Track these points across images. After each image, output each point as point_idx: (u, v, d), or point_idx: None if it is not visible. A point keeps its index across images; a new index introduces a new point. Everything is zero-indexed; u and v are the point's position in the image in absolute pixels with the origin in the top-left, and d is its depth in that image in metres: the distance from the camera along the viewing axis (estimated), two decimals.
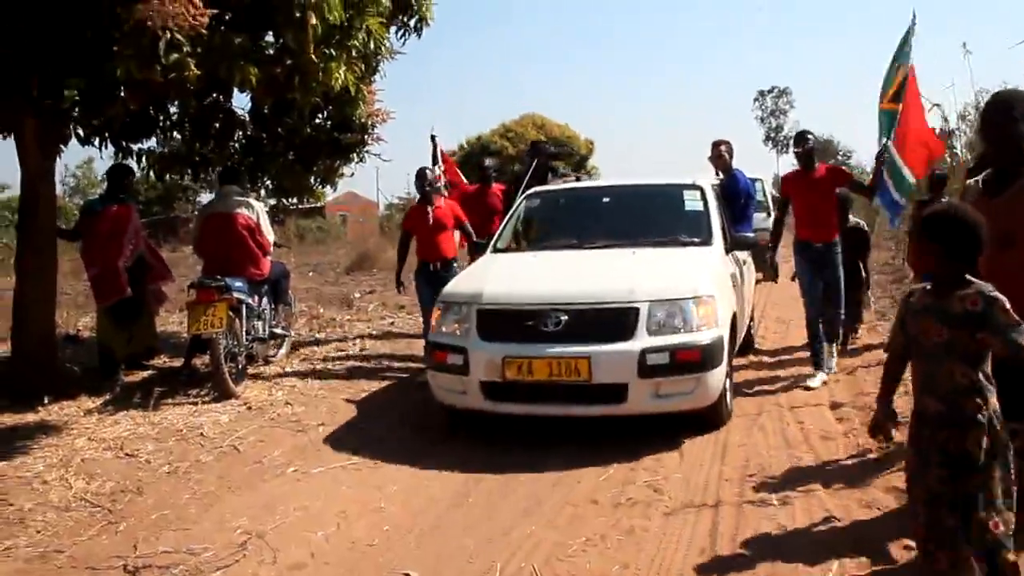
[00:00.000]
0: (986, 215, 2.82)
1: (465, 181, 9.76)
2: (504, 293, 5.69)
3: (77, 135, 6.57)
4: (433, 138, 9.07)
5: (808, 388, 6.58)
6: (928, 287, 2.90)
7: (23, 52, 5.44)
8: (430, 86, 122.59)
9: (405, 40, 7.41)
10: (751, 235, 7.15)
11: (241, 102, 7.47)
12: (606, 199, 7.48)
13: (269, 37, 6.10)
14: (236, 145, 7.94)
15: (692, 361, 5.22)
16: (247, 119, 7.68)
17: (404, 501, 4.61)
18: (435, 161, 8.97)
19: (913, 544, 3.24)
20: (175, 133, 7.65)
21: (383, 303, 11.99)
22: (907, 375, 3.09)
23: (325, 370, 7.75)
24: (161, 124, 7.30)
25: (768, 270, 7.74)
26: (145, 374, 7.49)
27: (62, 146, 6.75)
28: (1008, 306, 2.71)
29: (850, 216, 7.94)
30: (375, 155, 8.15)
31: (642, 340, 5.19)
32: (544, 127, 35.76)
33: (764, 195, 15.27)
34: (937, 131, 8.13)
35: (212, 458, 5.35)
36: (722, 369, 5.41)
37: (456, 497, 4.62)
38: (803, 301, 7.01)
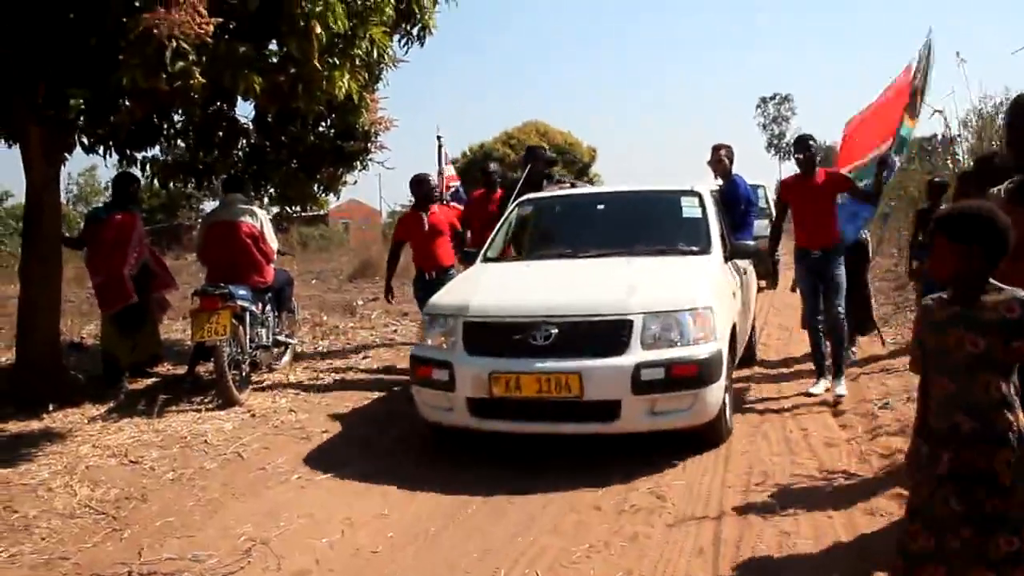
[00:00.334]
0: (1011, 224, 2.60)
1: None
2: (491, 305, 5.45)
3: (82, 143, 6.60)
4: (439, 139, 9.09)
5: (810, 394, 6.52)
6: (946, 296, 2.66)
7: (29, 61, 5.47)
8: (433, 94, 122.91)
9: (408, 48, 7.45)
10: (751, 243, 6.91)
11: (245, 110, 7.50)
12: (601, 206, 7.27)
13: (273, 46, 6.13)
14: (240, 153, 7.96)
15: (689, 376, 4.98)
16: (251, 127, 7.70)
17: (408, 508, 4.61)
18: (441, 164, 9.00)
19: None
20: (179, 141, 7.67)
21: (386, 310, 11.99)
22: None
23: (329, 378, 7.76)
24: (165, 132, 7.33)
25: (768, 276, 7.56)
26: (149, 381, 7.50)
27: (66, 154, 6.78)
28: None
29: None
30: (378, 163, 8.14)
31: (636, 354, 4.95)
32: (547, 134, 35.88)
33: (767, 202, 15.26)
34: (939, 137, 8.18)
35: (216, 465, 5.35)
36: (721, 384, 5.17)
37: (460, 504, 4.62)
38: (802, 310, 6.89)
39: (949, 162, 11.31)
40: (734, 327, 5.82)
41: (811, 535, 3.97)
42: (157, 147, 7.50)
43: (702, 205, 6.54)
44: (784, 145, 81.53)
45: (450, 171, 9.85)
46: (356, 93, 6.24)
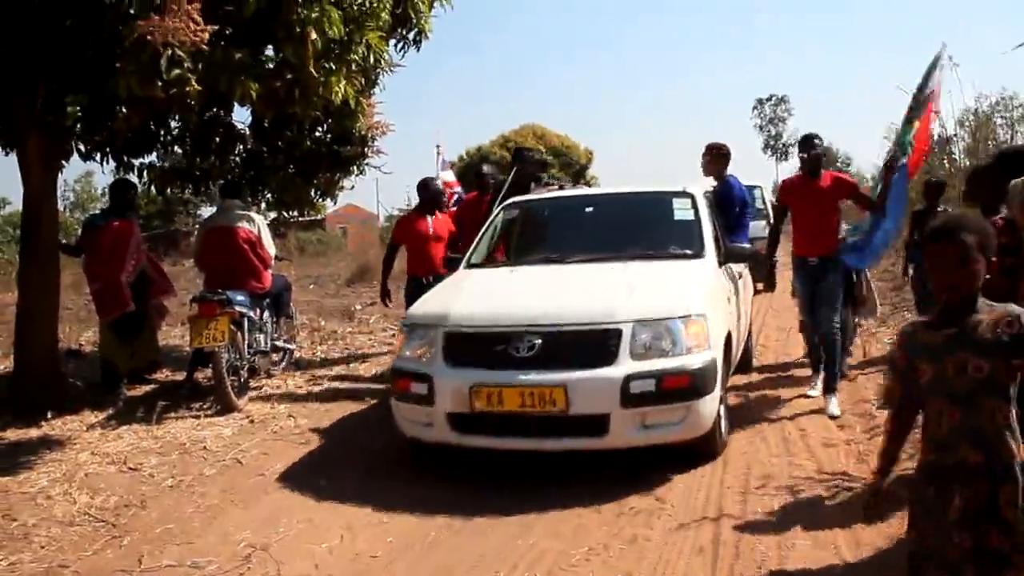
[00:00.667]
0: None
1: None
2: (472, 314, 5.18)
3: (79, 150, 6.60)
4: (438, 147, 9.11)
5: (809, 397, 6.47)
6: (929, 319, 2.51)
7: (27, 69, 5.48)
8: (429, 97, 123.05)
9: (404, 53, 7.46)
10: (747, 245, 6.64)
11: (241, 116, 7.52)
12: (589, 209, 6.99)
13: (269, 52, 6.14)
14: (236, 159, 7.98)
15: (681, 388, 4.73)
16: (247, 133, 7.72)
17: (407, 514, 4.61)
18: (438, 171, 9.02)
19: None
20: (176, 147, 7.69)
21: (384, 315, 11.98)
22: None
23: (328, 383, 7.77)
24: (162, 139, 7.34)
25: (765, 280, 7.26)
26: (147, 388, 7.50)
27: (64, 161, 6.79)
28: None
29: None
30: (375, 167, 8.16)
31: (625, 365, 4.69)
32: (544, 137, 35.90)
33: (764, 203, 15.28)
34: (935, 137, 7.98)
35: (215, 471, 5.36)
36: (715, 395, 4.94)
37: (460, 508, 4.62)
38: (799, 322, 6.69)
39: (946, 162, 11.34)
40: (729, 334, 5.58)
41: (810, 537, 3.97)
42: (154, 153, 7.53)
43: (695, 207, 6.27)
44: (781, 146, 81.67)
45: (450, 176, 9.84)
46: (352, 98, 6.25)
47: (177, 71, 4.92)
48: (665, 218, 6.38)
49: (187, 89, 5.01)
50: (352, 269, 18.27)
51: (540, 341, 4.80)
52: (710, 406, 4.90)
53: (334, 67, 5.89)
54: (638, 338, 4.78)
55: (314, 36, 5.52)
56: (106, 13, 5.11)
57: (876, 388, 6.60)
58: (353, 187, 14.95)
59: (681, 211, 6.32)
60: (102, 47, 5.16)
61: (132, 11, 4.92)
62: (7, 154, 6.54)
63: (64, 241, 7.51)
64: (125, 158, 7.09)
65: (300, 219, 13.78)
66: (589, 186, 15.57)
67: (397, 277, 8.38)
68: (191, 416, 6.53)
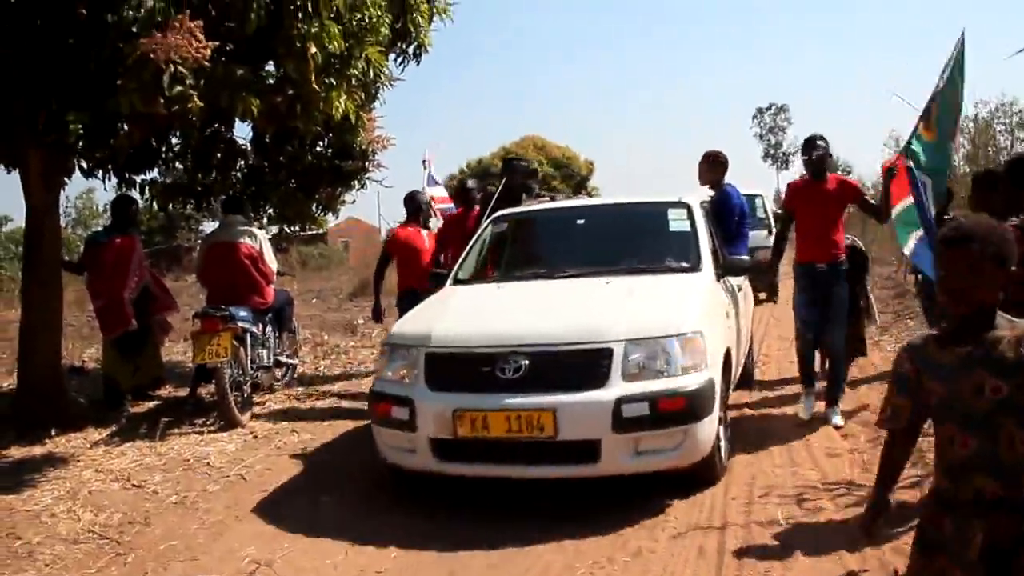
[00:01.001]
0: None
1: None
2: (455, 334, 4.89)
3: (81, 168, 6.63)
4: (424, 162, 8.96)
5: (800, 420, 6.05)
6: (941, 333, 2.27)
7: (29, 88, 5.51)
8: (429, 111, 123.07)
9: (404, 67, 7.49)
10: (746, 257, 6.29)
11: (243, 131, 7.54)
12: (581, 221, 6.67)
13: (270, 68, 6.19)
14: (238, 174, 8.00)
15: (677, 411, 4.43)
16: (249, 148, 7.74)
17: (412, 528, 4.59)
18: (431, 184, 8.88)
19: None
20: (177, 163, 7.71)
21: (386, 329, 11.98)
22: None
23: (330, 397, 7.77)
24: (164, 155, 7.37)
25: (768, 289, 6.95)
26: (151, 404, 7.50)
27: (66, 178, 6.82)
28: None
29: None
30: (376, 181, 8.18)
31: (617, 387, 4.41)
32: (544, 148, 36.08)
33: (765, 211, 15.30)
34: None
35: (219, 487, 5.36)
36: (714, 418, 4.64)
37: (465, 522, 4.61)
38: (795, 331, 6.47)
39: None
40: (728, 351, 5.27)
41: (814, 546, 3.96)
42: (156, 169, 7.55)
43: (691, 218, 5.98)
44: (781, 155, 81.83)
45: (440, 192, 9.57)
46: (353, 113, 6.27)
47: (179, 88, 4.95)
48: (660, 230, 6.14)
49: (189, 105, 5.04)
50: (354, 283, 18.30)
51: (527, 362, 4.52)
52: (708, 430, 4.61)
53: (334, 82, 5.92)
54: (630, 358, 4.50)
55: (314, 51, 5.55)
56: (108, 31, 5.14)
57: (878, 396, 6.57)
58: (355, 201, 14.96)
59: (676, 222, 6.06)
60: (104, 65, 5.19)
61: (134, 29, 4.95)
62: (9, 172, 6.57)
63: (67, 258, 7.55)
64: (127, 174, 7.12)
65: (302, 233, 13.79)
66: (590, 196, 15.52)
67: (389, 292, 8.35)
68: (194, 432, 6.53)
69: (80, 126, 5.27)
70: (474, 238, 6.55)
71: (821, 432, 5.89)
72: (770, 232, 13.57)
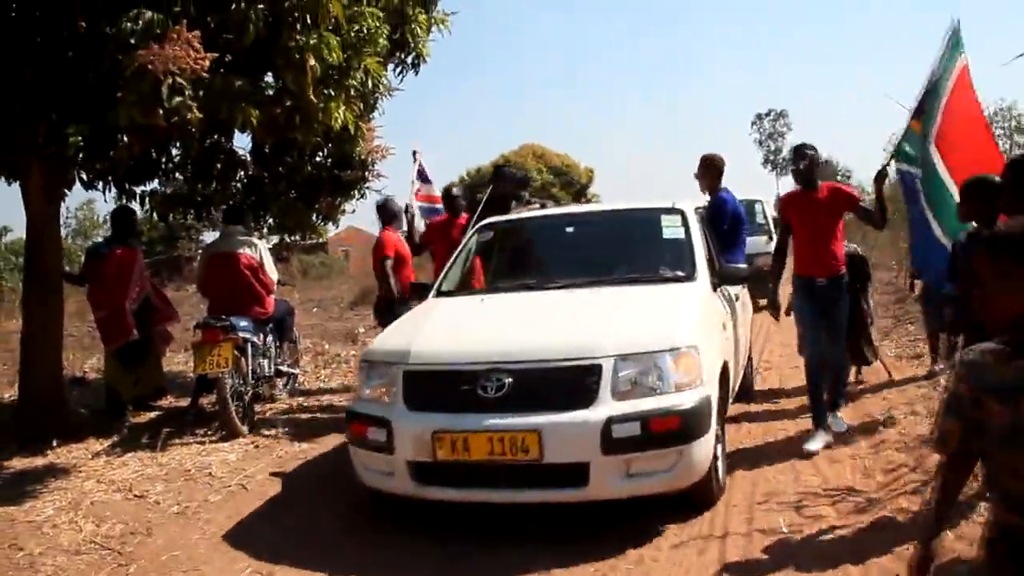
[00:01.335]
0: None
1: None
2: (435, 350, 4.66)
3: (81, 179, 6.63)
4: (415, 153, 8.55)
5: (808, 453, 5.55)
6: (1000, 345, 2.00)
7: (29, 101, 5.53)
8: (428, 121, 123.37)
9: (403, 77, 7.51)
10: (743, 265, 6.14)
11: (242, 142, 7.55)
12: (570, 229, 6.42)
13: (269, 79, 6.19)
14: (238, 184, 8.00)
15: (671, 431, 4.18)
16: (248, 159, 7.75)
17: (415, 535, 4.60)
18: (424, 180, 8.54)
19: None
20: (177, 174, 7.72)
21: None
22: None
23: (332, 407, 7.76)
24: (164, 166, 7.37)
25: (769, 300, 6.65)
26: (152, 415, 7.49)
27: (66, 190, 6.83)
28: None
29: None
30: (376, 191, 8.17)
31: (607, 406, 4.16)
32: (544, 156, 36.10)
33: (765, 217, 15.33)
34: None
35: (221, 497, 5.35)
36: (710, 437, 4.38)
37: (470, 528, 4.61)
38: (798, 346, 6.37)
39: None
40: (725, 365, 5.05)
41: (816, 553, 3.97)
42: (156, 180, 7.55)
43: (685, 224, 5.73)
44: (780, 161, 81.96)
45: (434, 191, 8.92)
46: (352, 123, 6.28)
47: (178, 99, 4.96)
48: (653, 237, 5.90)
49: (188, 117, 5.04)
50: (355, 292, 18.29)
51: (510, 380, 4.27)
52: (704, 450, 4.35)
53: (333, 93, 5.93)
54: (620, 375, 4.25)
55: (313, 62, 5.57)
56: (107, 43, 5.16)
57: (880, 403, 6.59)
58: (354, 211, 14.89)
59: (670, 229, 5.80)
60: (103, 77, 5.21)
61: (133, 41, 4.97)
62: (10, 184, 6.58)
63: (68, 269, 7.54)
64: (127, 186, 7.12)
65: (302, 243, 13.78)
66: (589, 203, 15.46)
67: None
68: (196, 442, 6.53)
69: (80, 138, 5.29)
70: (459, 248, 6.34)
71: None
72: (770, 238, 13.58)
